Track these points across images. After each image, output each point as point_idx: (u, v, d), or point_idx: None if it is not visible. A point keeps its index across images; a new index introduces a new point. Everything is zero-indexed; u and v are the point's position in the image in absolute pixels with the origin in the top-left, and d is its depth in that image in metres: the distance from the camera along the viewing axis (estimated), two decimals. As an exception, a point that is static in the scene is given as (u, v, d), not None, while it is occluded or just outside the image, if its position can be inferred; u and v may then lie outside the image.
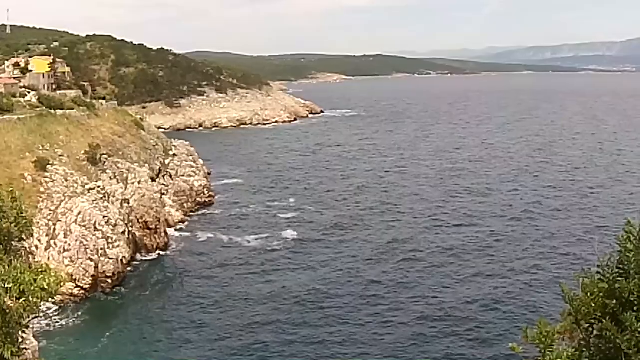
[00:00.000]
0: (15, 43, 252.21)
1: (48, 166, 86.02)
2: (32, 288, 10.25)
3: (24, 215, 11.83)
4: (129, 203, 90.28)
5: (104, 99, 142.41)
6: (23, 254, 12.15)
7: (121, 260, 78.73)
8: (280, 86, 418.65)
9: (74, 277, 73.39)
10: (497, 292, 74.18)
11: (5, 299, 10.09)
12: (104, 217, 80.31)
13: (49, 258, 73.39)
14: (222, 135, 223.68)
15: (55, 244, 76.55)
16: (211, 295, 74.98)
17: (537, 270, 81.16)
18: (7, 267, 10.39)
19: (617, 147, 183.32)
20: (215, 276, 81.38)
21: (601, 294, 8.24)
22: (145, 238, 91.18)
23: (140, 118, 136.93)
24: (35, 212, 76.66)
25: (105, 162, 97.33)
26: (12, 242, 11.71)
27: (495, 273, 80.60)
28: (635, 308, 7.92)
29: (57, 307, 69.22)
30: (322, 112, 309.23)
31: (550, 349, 8.29)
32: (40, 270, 10.65)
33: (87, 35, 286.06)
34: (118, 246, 79.35)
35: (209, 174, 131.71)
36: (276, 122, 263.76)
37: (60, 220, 78.63)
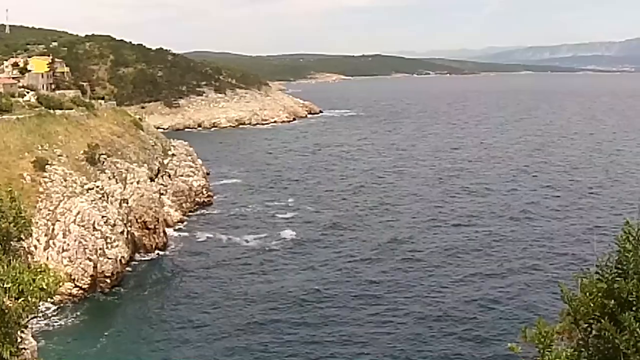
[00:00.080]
0: (14, 43, 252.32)
1: (47, 166, 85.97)
2: (31, 288, 10.25)
3: (22, 215, 11.82)
4: (127, 203, 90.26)
5: (102, 99, 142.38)
6: (22, 253, 12.15)
7: (120, 260, 78.71)
8: (279, 86, 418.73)
9: (72, 277, 73.38)
10: (496, 292, 74.18)
11: (4, 299, 10.09)
12: (103, 217, 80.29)
13: (47, 258, 73.36)
14: (220, 135, 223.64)
15: (54, 243, 76.53)
16: (210, 295, 74.98)
17: (536, 270, 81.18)
18: (5, 267, 10.39)
19: (615, 147, 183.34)
20: (214, 276, 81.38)
21: (600, 294, 8.25)
22: (144, 238, 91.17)
23: (139, 118, 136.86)
24: (34, 212, 76.65)
25: (104, 162, 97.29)
26: (11, 242, 11.71)
27: (494, 273, 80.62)
28: (633, 308, 7.92)
29: (55, 307, 69.19)
30: (320, 112, 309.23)
31: (549, 349, 8.30)
32: (39, 270, 10.65)
33: (86, 35, 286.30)
34: (117, 246, 79.33)
35: (207, 173, 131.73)
36: (275, 122, 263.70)
37: (59, 220, 78.60)
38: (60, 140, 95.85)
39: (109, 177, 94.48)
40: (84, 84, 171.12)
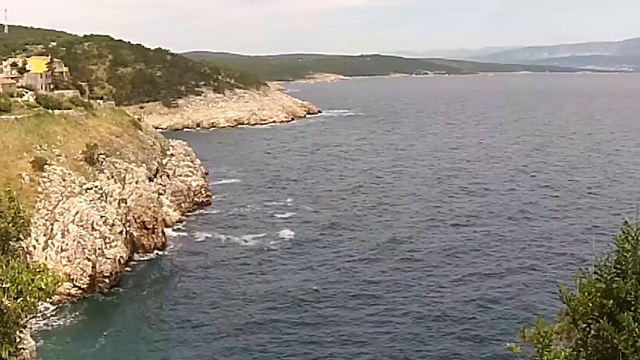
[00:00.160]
0: (12, 43, 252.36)
1: (45, 166, 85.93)
2: (30, 288, 10.25)
3: (21, 215, 11.82)
4: (126, 203, 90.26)
5: (101, 98, 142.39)
6: (20, 253, 12.15)
7: (119, 260, 78.70)
8: (278, 86, 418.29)
9: (71, 277, 73.36)
10: (494, 292, 74.22)
11: (3, 299, 10.10)
12: (102, 217, 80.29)
13: (46, 258, 73.34)
14: (219, 135, 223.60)
15: (52, 243, 76.52)
16: (208, 295, 74.98)
17: (534, 270, 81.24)
18: (4, 267, 10.39)
19: (614, 147, 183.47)
20: (213, 276, 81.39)
21: (598, 294, 8.25)
22: (142, 238, 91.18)
23: (138, 118, 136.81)
24: (33, 212, 76.61)
25: (102, 162, 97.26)
26: (10, 242, 11.70)
27: (492, 273, 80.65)
28: (632, 308, 7.93)
29: (54, 307, 69.18)
30: (319, 112, 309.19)
31: (548, 349, 8.30)
32: (37, 270, 10.64)
33: (85, 35, 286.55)
34: (115, 246, 79.31)
35: (206, 173, 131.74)
36: (273, 122, 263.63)
37: (57, 220, 78.59)
38: (58, 140, 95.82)
39: (108, 177, 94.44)
40: (83, 83, 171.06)
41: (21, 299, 10.21)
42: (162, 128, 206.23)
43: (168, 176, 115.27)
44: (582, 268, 8.66)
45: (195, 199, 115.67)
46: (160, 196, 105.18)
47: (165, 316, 69.95)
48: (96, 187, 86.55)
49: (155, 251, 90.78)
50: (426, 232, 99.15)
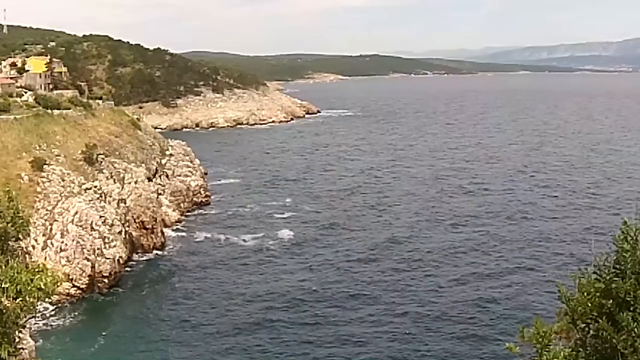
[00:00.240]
0: (12, 43, 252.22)
1: (45, 166, 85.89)
2: (29, 288, 10.26)
3: (20, 215, 11.82)
4: (125, 203, 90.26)
5: (100, 98, 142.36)
6: (20, 253, 12.15)
7: (118, 260, 78.69)
8: (277, 86, 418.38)
9: (70, 277, 73.33)
10: (493, 291, 74.21)
11: (2, 299, 10.10)
12: (101, 217, 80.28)
13: (45, 258, 73.32)
14: (218, 135, 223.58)
15: (51, 243, 76.50)
16: (207, 295, 74.98)
17: (533, 270, 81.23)
18: (4, 267, 10.40)
19: (613, 147, 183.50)
20: (212, 276, 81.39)
21: (597, 294, 8.27)
22: (141, 238, 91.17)
23: (137, 118, 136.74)
24: (32, 212, 76.58)
25: (101, 162, 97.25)
26: (9, 242, 11.70)
27: (491, 273, 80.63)
28: (631, 308, 7.93)
29: (53, 307, 69.17)
30: (318, 112, 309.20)
31: (547, 349, 8.31)
32: (37, 270, 10.65)
33: (84, 35, 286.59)
34: (115, 246, 79.31)
35: (205, 173, 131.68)
36: (273, 122, 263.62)
37: (56, 220, 78.57)
38: (58, 140, 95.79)
39: (107, 177, 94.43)
40: (82, 83, 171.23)
41: (20, 299, 10.21)
42: (161, 128, 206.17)
43: (167, 176, 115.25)
44: (581, 268, 8.67)
45: (195, 199, 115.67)
46: (160, 196, 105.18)
47: (165, 316, 69.94)
48: (95, 187, 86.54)
49: (155, 251, 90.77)
50: (425, 232, 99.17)
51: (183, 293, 75.92)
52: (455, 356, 59.28)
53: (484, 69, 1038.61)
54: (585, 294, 8.33)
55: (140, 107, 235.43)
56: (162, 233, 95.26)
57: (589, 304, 8.25)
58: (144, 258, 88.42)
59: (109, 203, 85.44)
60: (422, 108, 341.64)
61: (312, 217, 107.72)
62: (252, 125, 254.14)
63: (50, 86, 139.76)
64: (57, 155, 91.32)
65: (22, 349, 10.99)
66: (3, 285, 10.15)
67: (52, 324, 66.83)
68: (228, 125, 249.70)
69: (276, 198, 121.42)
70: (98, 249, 76.97)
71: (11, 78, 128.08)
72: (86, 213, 79.07)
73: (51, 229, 77.66)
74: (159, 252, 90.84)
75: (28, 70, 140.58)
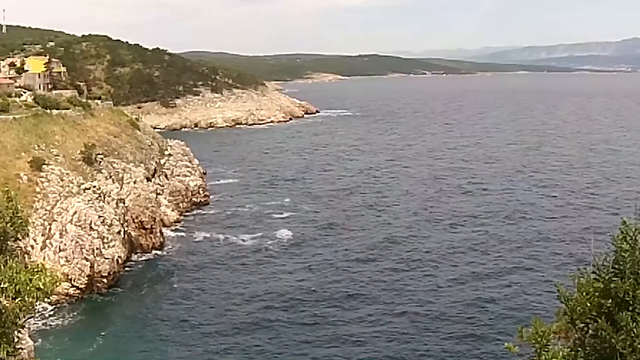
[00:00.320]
0: (10, 43, 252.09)
1: (44, 166, 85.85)
2: (28, 288, 10.25)
3: (19, 215, 11.81)
4: (124, 203, 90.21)
5: (99, 98, 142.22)
6: (19, 253, 12.14)
7: (117, 260, 78.67)
8: (276, 86, 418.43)
9: (69, 277, 73.30)
10: (492, 291, 74.19)
11: (1, 299, 10.10)
12: (100, 216, 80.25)
13: (44, 258, 73.28)
14: (217, 135, 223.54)
15: (50, 243, 76.45)
16: (206, 294, 74.96)
17: (532, 270, 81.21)
18: (2, 267, 10.39)
19: (611, 147, 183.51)
20: (211, 276, 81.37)
21: (596, 294, 8.27)
22: (140, 238, 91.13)
23: (136, 118, 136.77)
24: (31, 211, 76.55)
25: (100, 162, 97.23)
26: (8, 242, 11.69)
27: (490, 272, 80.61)
28: (630, 308, 7.94)
29: (52, 307, 69.16)
30: (317, 112, 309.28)
31: (546, 349, 8.31)
32: (35, 270, 10.65)
33: (83, 35, 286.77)
34: (113, 246, 79.30)
35: (204, 173, 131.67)
36: (271, 122, 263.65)
37: (55, 220, 78.53)
38: (57, 140, 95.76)
39: (106, 177, 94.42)
40: (81, 83, 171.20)
41: (19, 298, 10.21)
42: (160, 128, 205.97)
43: (166, 176, 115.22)
44: (580, 268, 8.67)
45: (193, 199, 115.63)
46: (158, 196, 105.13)
47: (163, 316, 69.91)
48: (94, 187, 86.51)
49: (153, 251, 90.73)
50: (424, 231, 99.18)
51: (182, 293, 75.91)
52: (454, 356, 59.28)
53: (482, 68, 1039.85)
54: (584, 293, 8.33)
55: (139, 107, 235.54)
56: (161, 233, 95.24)
57: (588, 304, 8.26)
58: (143, 258, 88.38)
59: (108, 203, 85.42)
60: (421, 108, 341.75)
61: (310, 217, 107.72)
62: (250, 125, 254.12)
63: (49, 86, 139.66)
64: (56, 155, 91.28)
65: (21, 348, 10.98)
66: (2, 285, 10.15)
67: (51, 323, 66.80)
68: (227, 125, 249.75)
69: (275, 198, 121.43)
70: (97, 249, 76.94)
71: (10, 78, 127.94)
72: (85, 213, 79.04)
73: (50, 228, 77.62)
74: (158, 252, 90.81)
75: (27, 70, 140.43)
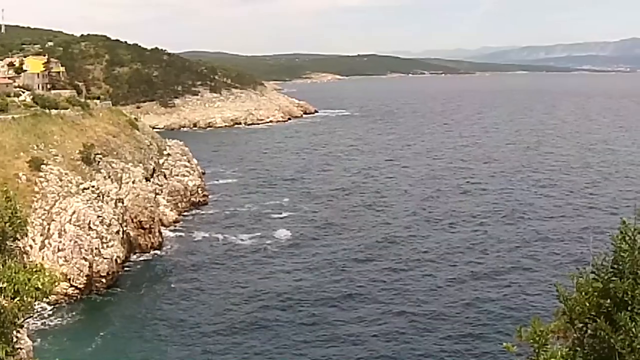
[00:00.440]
0: (9, 43, 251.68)
1: (42, 166, 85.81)
2: (27, 288, 10.25)
3: (18, 214, 11.81)
4: (123, 203, 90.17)
5: (98, 98, 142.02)
6: (17, 253, 12.14)
7: (115, 259, 78.63)
8: (275, 86, 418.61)
9: (68, 277, 73.26)
10: (491, 291, 74.18)
11: (0, 299, 10.09)
12: (98, 216, 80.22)
13: (43, 258, 73.24)
14: (216, 135, 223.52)
15: (49, 243, 76.41)
16: (205, 294, 74.94)
17: (531, 270, 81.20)
18: (1, 267, 10.39)
19: (610, 147, 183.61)
20: (209, 276, 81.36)
21: (595, 294, 8.27)
22: (139, 238, 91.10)
23: (135, 118, 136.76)
24: (30, 211, 76.50)
25: (99, 161, 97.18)
26: (7, 242, 11.69)
27: (489, 272, 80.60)
28: (629, 308, 7.94)
29: (51, 307, 69.11)
30: (316, 111, 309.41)
31: (544, 349, 8.31)
32: (34, 269, 10.65)
33: (82, 35, 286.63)
34: (112, 246, 79.26)
35: (203, 173, 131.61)
36: (270, 121, 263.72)
37: (54, 220, 78.48)
38: (55, 140, 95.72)
39: (105, 177, 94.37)
40: (80, 83, 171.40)
41: (18, 298, 10.21)
42: (158, 128, 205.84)
43: (165, 176, 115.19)
44: (579, 267, 8.67)
45: (192, 198, 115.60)
46: (157, 196, 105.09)
47: (162, 316, 69.87)
48: (93, 187, 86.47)
49: (152, 251, 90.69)
50: (422, 231, 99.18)
51: (181, 293, 75.89)
52: (452, 356, 59.28)
53: (481, 68, 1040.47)
54: (583, 293, 8.33)
55: (138, 107, 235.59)
56: (160, 233, 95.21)
57: (587, 304, 8.26)
58: (142, 258, 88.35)
59: (107, 203, 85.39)
60: (420, 108, 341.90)
61: (309, 217, 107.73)
62: (249, 125, 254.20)
63: (48, 86, 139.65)
64: (54, 155, 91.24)
65: (20, 348, 10.98)
66: (1, 285, 10.15)
67: (50, 323, 66.76)
68: (226, 125, 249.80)
69: (274, 198, 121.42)
70: (96, 248, 76.91)
71: (9, 78, 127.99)
72: (84, 213, 79.02)
73: (49, 228, 77.58)
74: (157, 252, 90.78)
75: (26, 70, 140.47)
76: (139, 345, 63.34)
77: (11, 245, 11.75)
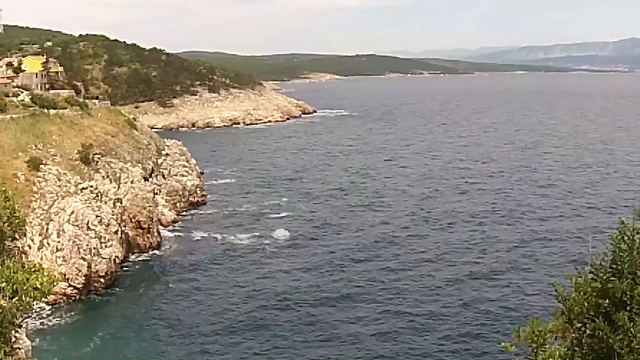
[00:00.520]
0: (8, 43, 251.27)
1: (41, 166, 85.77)
2: (25, 287, 10.24)
3: (16, 214, 11.81)
4: (121, 202, 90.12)
5: (96, 98, 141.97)
6: (16, 253, 12.13)
7: (114, 259, 78.61)
8: (273, 86, 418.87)
9: (66, 277, 73.19)
10: (489, 291, 74.17)
11: (-1, 299, 10.09)
12: (97, 216, 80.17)
13: (41, 257, 73.17)
14: (214, 135, 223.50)
15: (48, 243, 76.36)
16: (203, 294, 74.91)
17: (529, 270, 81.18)
18: (0, 267, 10.38)
19: (608, 147, 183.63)
20: (208, 275, 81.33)
21: (594, 294, 8.27)
22: (138, 237, 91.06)
23: (133, 118, 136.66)
24: (28, 211, 76.45)
25: (98, 161, 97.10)
26: (5, 242, 11.69)
27: (487, 272, 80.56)
28: (628, 308, 7.94)
29: (50, 307, 69.05)
30: (314, 111, 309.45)
31: (543, 348, 8.31)
32: (33, 269, 10.65)
33: (80, 35, 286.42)
34: (111, 246, 79.22)
35: (201, 173, 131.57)
36: (269, 121, 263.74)
37: (53, 220, 78.44)
38: (54, 140, 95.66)
39: (103, 177, 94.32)
40: (78, 83, 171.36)
41: (16, 298, 10.20)
42: (157, 128, 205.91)
43: (163, 176, 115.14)
44: (578, 267, 8.68)
45: (191, 198, 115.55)
46: (156, 196, 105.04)
47: (161, 315, 69.83)
48: (91, 186, 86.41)
49: (151, 251, 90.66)
50: (420, 231, 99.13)
51: (179, 293, 75.87)
52: (450, 355, 59.26)
53: (480, 68, 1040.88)
54: (581, 293, 8.33)
55: (137, 107, 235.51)
56: (159, 233, 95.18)
57: (586, 304, 8.26)
58: (140, 258, 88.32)
59: (105, 203, 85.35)
60: (418, 108, 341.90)
61: (307, 217, 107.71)
62: (248, 125, 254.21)
63: (47, 86, 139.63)
64: (53, 155, 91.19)
65: (19, 348, 10.98)
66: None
67: (49, 323, 66.73)
68: (224, 125, 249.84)
69: (272, 197, 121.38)
70: (94, 248, 76.86)
71: (7, 78, 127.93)
72: (82, 213, 78.96)
73: (47, 228, 77.54)
74: (155, 252, 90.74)
75: (24, 70, 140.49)
76: (137, 345, 63.32)
77: (10, 245, 11.75)
